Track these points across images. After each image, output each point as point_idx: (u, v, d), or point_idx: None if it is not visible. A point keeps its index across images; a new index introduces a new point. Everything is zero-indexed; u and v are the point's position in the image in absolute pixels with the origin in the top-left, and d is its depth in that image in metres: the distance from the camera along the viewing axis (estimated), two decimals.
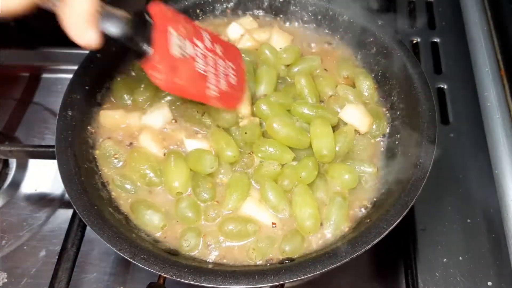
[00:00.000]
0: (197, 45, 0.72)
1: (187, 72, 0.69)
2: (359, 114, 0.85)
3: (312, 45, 0.99)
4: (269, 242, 0.73)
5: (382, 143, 0.86)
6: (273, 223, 0.75)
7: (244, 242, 0.74)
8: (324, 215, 0.75)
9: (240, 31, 0.98)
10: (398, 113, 0.87)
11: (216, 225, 0.75)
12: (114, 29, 0.61)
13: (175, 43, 0.68)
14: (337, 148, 0.80)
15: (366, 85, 0.90)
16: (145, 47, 0.64)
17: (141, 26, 0.65)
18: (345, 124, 0.85)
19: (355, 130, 0.84)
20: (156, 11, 0.68)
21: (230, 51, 0.81)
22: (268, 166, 0.77)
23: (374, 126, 0.85)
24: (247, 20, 1.01)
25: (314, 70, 0.93)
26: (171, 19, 0.70)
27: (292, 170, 0.78)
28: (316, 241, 0.74)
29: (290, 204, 0.75)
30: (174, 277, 0.62)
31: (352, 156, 0.84)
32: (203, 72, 0.71)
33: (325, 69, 0.94)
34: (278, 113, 0.81)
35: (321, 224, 0.74)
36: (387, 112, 0.89)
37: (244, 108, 0.81)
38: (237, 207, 0.76)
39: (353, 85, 0.92)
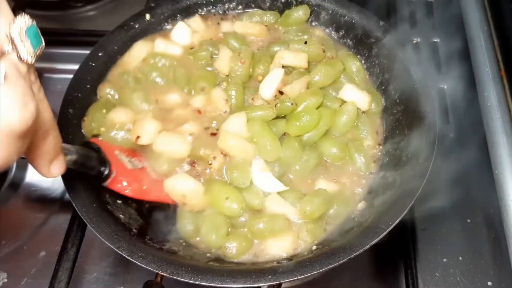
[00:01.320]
0: (143, 159, 0.81)
1: (147, 178, 0.78)
2: (359, 92, 0.87)
3: None
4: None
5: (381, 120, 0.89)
6: None
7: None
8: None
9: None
10: (398, 114, 0.87)
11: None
12: (72, 161, 0.65)
13: (125, 160, 0.77)
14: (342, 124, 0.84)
15: (355, 66, 0.92)
16: (103, 169, 0.72)
17: (92, 153, 0.71)
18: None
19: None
20: (98, 142, 0.77)
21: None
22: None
23: (372, 105, 0.88)
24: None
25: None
26: (112, 146, 0.79)
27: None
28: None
29: None
30: (171, 276, 0.62)
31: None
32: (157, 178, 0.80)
33: None
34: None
35: None
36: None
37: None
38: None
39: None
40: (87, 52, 0.88)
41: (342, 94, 0.87)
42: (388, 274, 0.87)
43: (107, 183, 0.73)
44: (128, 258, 0.64)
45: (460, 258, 0.86)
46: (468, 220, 0.91)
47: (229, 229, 0.75)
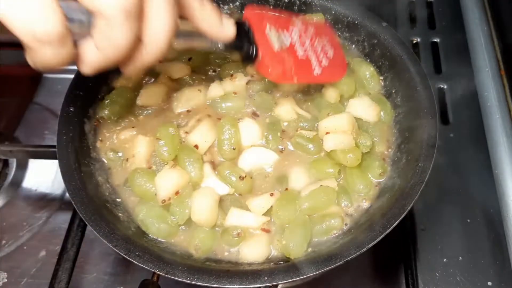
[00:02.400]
0: (292, 33, 0.79)
1: (292, 61, 0.76)
2: (365, 105, 0.84)
3: None
4: None
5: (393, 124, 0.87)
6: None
7: None
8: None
9: None
10: (399, 115, 0.87)
11: None
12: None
13: (274, 38, 0.75)
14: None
15: (369, 73, 0.90)
16: (251, 51, 0.72)
17: (243, 33, 0.71)
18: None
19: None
20: (251, 15, 0.75)
21: (321, 28, 0.87)
22: None
23: (382, 113, 0.86)
24: None
25: None
26: (265, 18, 0.77)
27: None
28: None
29: None
30: (167, 275, 0.62)
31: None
32: (304, 57, 0.79)
33: None
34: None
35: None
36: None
37: None
38: None
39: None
40: None
41: (349, 109, 0.84)
42: (388, 274, 0.87)
43: (253, 66, 0.75)
44: (125, 256, 0.64)
45: (460, 258, 0.86)
46: (468, 220, 0.91)
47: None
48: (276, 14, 0.81)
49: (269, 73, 0.74)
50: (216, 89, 0.86)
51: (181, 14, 0.59)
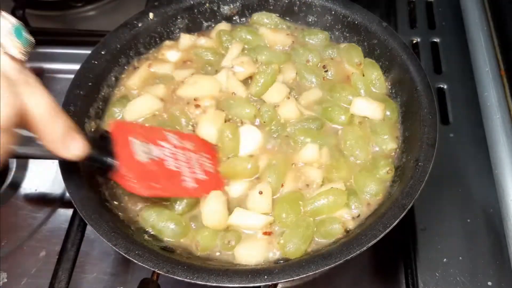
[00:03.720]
0: (163, 146, 0.76)
1: (159, 172, 0.72)
2: (369, 104, 0.85)
3: None
4: None
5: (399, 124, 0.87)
6: None
7: None
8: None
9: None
10: (399, 115, 0.87)
11: None
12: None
13: (139, 149, 0.72)
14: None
15: (375, 75, 0.91)
16: (109, 160, 0.68)
17: (101, 142, 0.69)
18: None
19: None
20: (114, 126, 0.72)
21: (201, 144, 0.82)
22: None
23: (387, 112, 0.86)
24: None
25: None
26: (131, 130, 0.74)
27: None
28: None
29: None
30: (167, 274, 0.62)
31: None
32: (175, 169, 0.75)
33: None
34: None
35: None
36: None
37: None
38: None
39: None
40: (87, 52, 0.88)
41: (353, 108, 0.85)
42: (388, 273, 0.87)
43: (109, 176, 0.70)
44: (125, 255, 0.64)
45: (460, 258, 0.86)
46: (468, 220, 0.91)
47: None
48: (146, 128, 0.80)
49: (130, 185, 0.68)
50: None
51: (21, 123, 0.54)
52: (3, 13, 0.50)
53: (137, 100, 0.88)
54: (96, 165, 0.69)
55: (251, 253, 0.71)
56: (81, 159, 0.62)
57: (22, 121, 0.52)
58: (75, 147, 0.60)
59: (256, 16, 1.01)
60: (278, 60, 0.93)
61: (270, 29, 0.99)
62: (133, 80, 0.92)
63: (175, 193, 0.75)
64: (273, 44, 0.97)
